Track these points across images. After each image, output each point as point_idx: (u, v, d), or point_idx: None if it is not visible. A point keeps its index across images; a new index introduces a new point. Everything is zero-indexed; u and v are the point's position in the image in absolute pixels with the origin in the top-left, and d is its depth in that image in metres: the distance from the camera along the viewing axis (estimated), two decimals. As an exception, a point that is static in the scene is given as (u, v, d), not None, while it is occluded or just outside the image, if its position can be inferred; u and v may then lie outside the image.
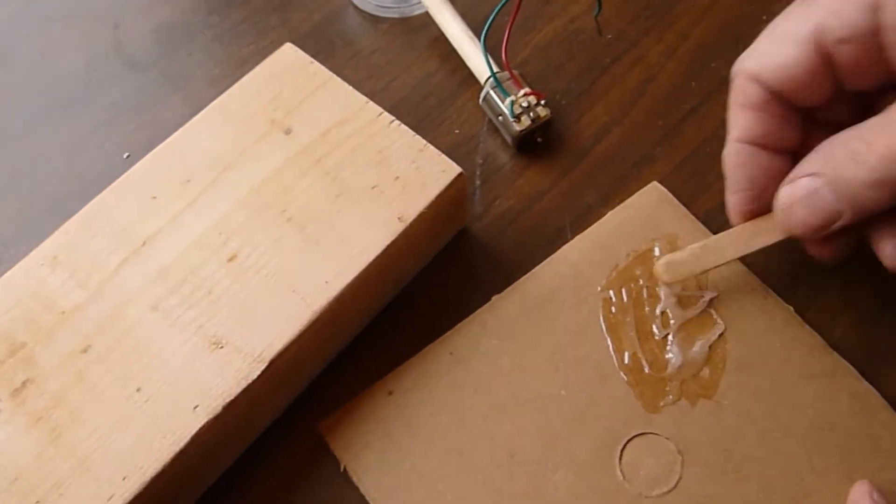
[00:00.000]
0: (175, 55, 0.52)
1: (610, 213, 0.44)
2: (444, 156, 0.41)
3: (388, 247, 0.39)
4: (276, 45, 0.49)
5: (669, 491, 0.37)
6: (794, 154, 0.38)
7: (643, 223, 0.43)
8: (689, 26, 0.52)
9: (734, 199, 0.39)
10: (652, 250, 0.43)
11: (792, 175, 0.35)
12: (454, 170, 0.41)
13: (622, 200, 0.45)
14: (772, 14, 0.38)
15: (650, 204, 0.44)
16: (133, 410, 0.36)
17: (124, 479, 0.35)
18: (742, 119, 0.38)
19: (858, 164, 0.32)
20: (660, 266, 0.41)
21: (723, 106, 0.48)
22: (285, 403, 0.41)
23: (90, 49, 0.52)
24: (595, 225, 0.44)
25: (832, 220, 0.34)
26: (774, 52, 0.36)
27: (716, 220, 0.45)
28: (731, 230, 0.40)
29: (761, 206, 0.38)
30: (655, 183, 0.45)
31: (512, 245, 0.45)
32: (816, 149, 0.35)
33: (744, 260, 0.43)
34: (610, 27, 0.52)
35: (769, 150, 0.38)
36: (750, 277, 0.42)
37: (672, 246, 0.43)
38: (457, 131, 0.49)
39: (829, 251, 0.38)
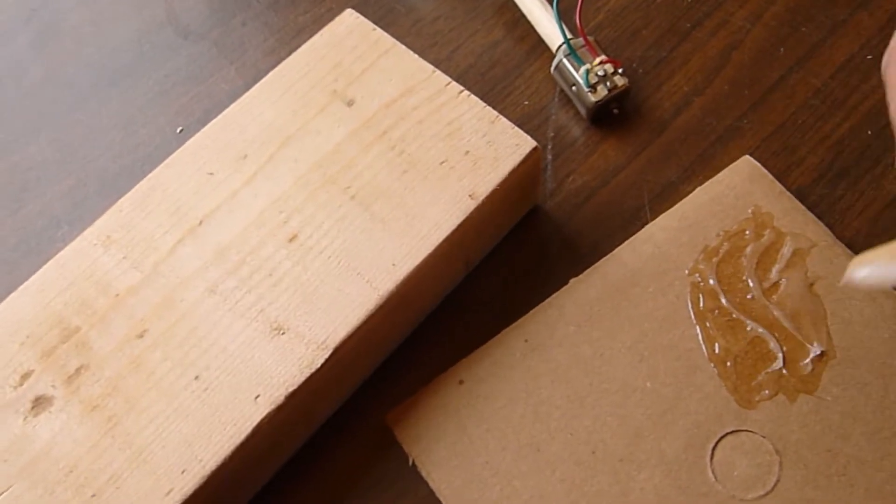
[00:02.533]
0: (229, 24, 0.50)
1: (698, 190, 0.41)
2: (517, 128, 0.38)
3: (459, 226, 0.36)
4: (334, 12, 0.46)
5: (766, 494, 0.34)
6: None
7: (734, 200, 0.40)
8: (778, -13, 0.48)
9: None
10: (744, 231, 0.39)
11: None
12: (529, 143, 0.38)
13: (706, 177, 0.42)
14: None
15: (742, 179, 0.41)
16: (192, 400, 0.34)
17: (183, 472, 0.33)
18: None
19: None
20: (854, 272, 0.29)
21: (815, 74, 0.44)
22: (349, 392, 0.38)
23: (142, 19, 0.50)
24: (681, 202, 0.41)
25: None
26: None
27: (809, 197, 0.41)
28: None
29: None
30: (748, 157, 0.42)
31: (587, 224, 0.42)
32: None
33: (842, 238, 0.40)
34: (690, -11, 0.48)
35: None
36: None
37: (766, 225, 0.39)
38: (526, 103, 0.45)
39: None
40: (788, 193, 0.40)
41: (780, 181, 0.41)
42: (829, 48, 0.45)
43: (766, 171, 0.41)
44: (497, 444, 0.36)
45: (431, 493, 0.36)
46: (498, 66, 0.47)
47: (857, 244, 0.40)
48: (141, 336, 0.35)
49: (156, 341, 0.35)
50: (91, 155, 0.46)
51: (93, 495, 0.32)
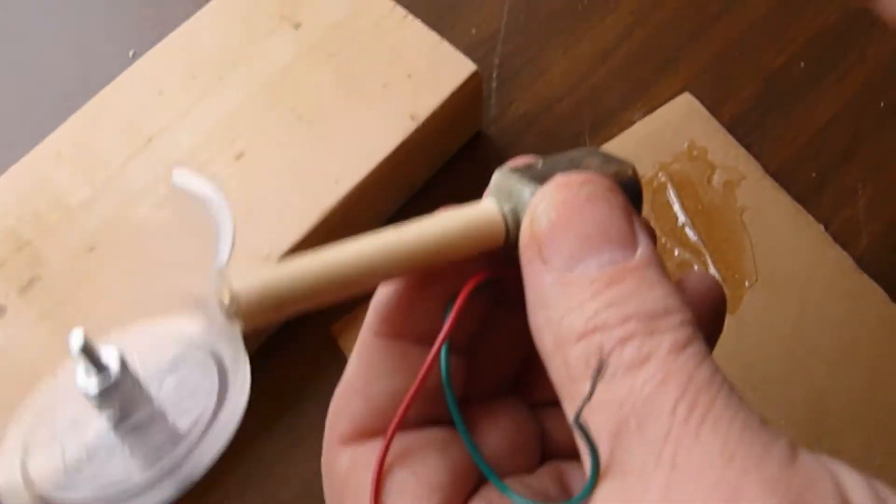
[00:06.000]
0: (181, -51, 0.50)
1: (638, 124, 0.43)
2: (459, 52, 0.39)
3: (400, 146, 0.38)
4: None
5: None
6: None
7: (672, 134, 0.42)
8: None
9: None
10: (678, 163, 0.41)
11: None
12: (469, 67, 0.39)
13: (645, 104, 0.44)
14: None
15: (680, 115, 0.42)
16: (142, 310, 0.35)
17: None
18: None
19: None
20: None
21: (754, 8, 0.45)
22: (295, 306, 0.40)
23: (93, -58, 0.50)
24: (621, 135, 0.42)
25: None
26: None
27: (742, 126, 0.43)
28: None
29: None
30: (687, 94, 0.43)
31: (528, 150, 0.43)
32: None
33: (769, 169, 0.42)
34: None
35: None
36: (780, 193, 0.40)
37: (700, 158, 0.41)
38: (473, 31, 0.47)
39: None
40: (724, 130, 0.42)
41: (715, 110, 0.43)
42: (767, -18, 0.47)
43: (703, 107, 0.43)
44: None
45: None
46: (447, -5, 0.48)
47: (784, 173, 0.42)
48: (92, 249, 0.37)
49: (106, 253, 0.36)
50: (42, 79, 0.46)
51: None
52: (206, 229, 0.24)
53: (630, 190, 0.21)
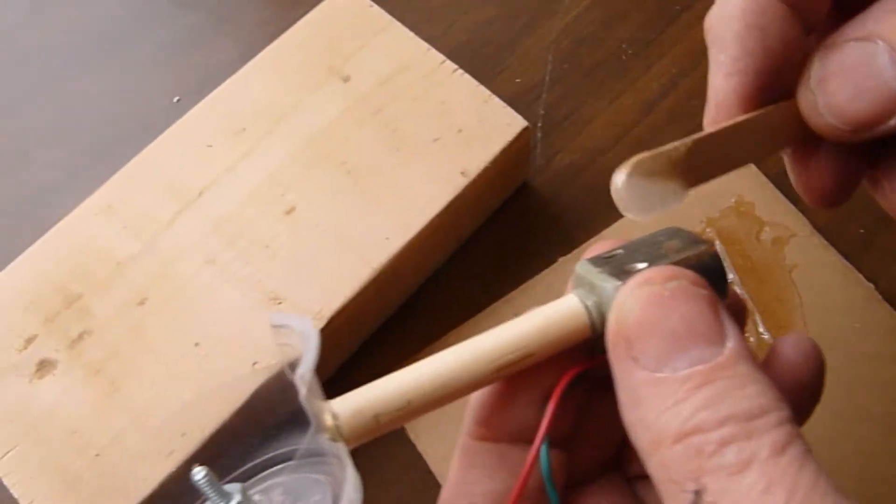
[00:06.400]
0: (224, -6, 0.50)
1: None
2: (509, 108, 0.39)
3: (451, 203, 0.38)
4: (331, -15, 0.47)
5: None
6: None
7: (718, 189, 0.41)
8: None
9: (732, 82, 0.24)
10: (726, 219, 0.41)
11: (830, 41, 0.23)
12: (520, 123, 0.39)
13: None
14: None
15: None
16: (191, 366, 0.35)
17: (183, 435, 0.34)
18: None
19: None
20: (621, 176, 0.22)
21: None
22: (341, 361, 0.40)
23: (137, -13, 0.51)
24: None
25: (891, 107, 0.22)
26: None
27: (788, 180, 0.43)
28: (722, 125, 0.24)
29: (766, 94, 0.24)
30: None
31: (574, 201, 0.44)
32: (869, 9, 0.23)
33: (816, 225, 0.41)
34: (680, -29, 0.49)
35: (797, 8, 0.24)
36: (829, 251, 0.40)
37: (748, 213, 0.41)
38: (518, 80, 0.46)
39: (831, 184, 0.26)
40: (771, 184, 0.42)
41: (762, 163, 0.43)
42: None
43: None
44: (483, 413, 0.38)
45: (419, 456, 0.38)
46: (491, 44, 0.48)
47: (831, 230, 0.42)
48: (141, 304, 0.36)
49: (156, 309, 0.36)
50: (87, 123, 0.47)
51: (96, 455, 0.34)
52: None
53: (712, 271, 0.21)
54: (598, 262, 0.22)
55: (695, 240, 0.22)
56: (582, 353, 0.22)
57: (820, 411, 0.37)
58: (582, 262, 0.22)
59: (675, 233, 0.23)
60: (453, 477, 0.23)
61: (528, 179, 0.44)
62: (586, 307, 0.21)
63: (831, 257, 0.40)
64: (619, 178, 0.22)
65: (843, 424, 0.37)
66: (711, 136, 0.23)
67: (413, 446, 0.38)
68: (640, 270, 0.21)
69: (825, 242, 0.41)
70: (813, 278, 0.40)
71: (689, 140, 0.23)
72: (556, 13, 0.48)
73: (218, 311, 0.36)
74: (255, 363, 0.35)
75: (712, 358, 0.19)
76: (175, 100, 0.47)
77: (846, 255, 0.41)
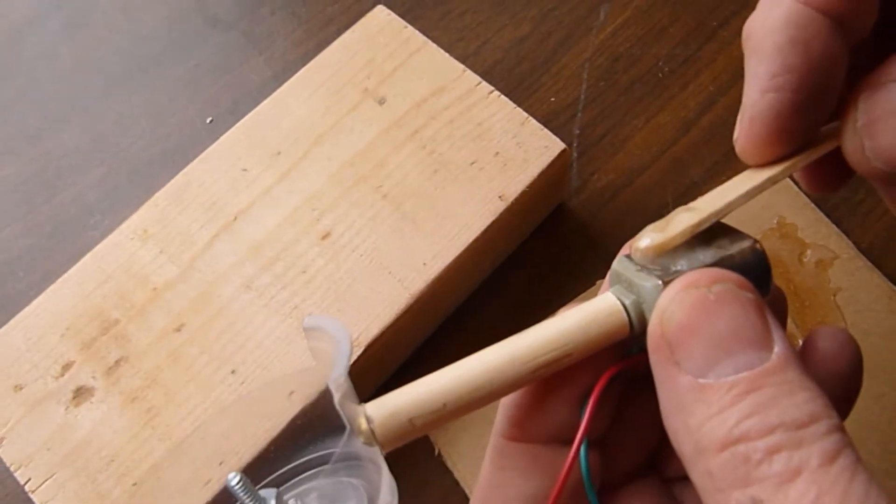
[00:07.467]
0: (257, 14, 0.50)
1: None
2: (546, 130, 0.39)
3: (489, 227, 0.37)
4: (362, 3, 0.46)
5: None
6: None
7: (760, 210, 0.41)
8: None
9: (769, 99, 0.23)
10: (768, 241, 0.40)
11: (874, 79, 0.22)
12: (558, 146, 0.38)
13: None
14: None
15: (768, 190, 0.41)
16: (228, 393, 0.35)
17: (221, 464, 0.34)
18: None
19: None
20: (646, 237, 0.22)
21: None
22: (376, 386, 0.40)
23: (171, 7, 0.51)
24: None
25: None
26: None
27: (830, 200, 0.42)
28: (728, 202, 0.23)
29: (803, 112, 0.23)
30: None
31: (611, 222, 0.43)
32: None
33: (859, 246, 0.40)
34: (717, -13, 0.49)
35: (843, 23, 0.22)
36: (874, 273, 0.39)
37: (790, 235, 0.40)
38: (552, 99, 0.46)
39: (833, 171, 0.26)
40: (812, 205, 0.41)
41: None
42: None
43: (790, 181, 0.41)
44: (522, 440, 0.37)
45: (456, 483, 0.37)
46: (525, 62, 0.47)
47: (875, 250, 0.41)
48: (178, 330, 0.36)
49: (193, 335, 0.36)
50: (122, 143, 0.47)
51: (134, 484, 0.34)
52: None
53: (756, 269, 0.21)
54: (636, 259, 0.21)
55: (737, 234, 0.21)
56: (615, 351, 0.21)
57: (867, 439, 0.36)
58: (619, 259, 0.22)
59: (716, 227, 0.22)
60: (486, 478, 0.23)
61: (565, 200, 0.43)
62: (624, 306, 0.20)
63: (876, 280, 0.40)
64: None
65: (891, 454, 0.36)
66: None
67: (451, 473, 0.37)
68: (679, 269, 0.20)
69: (870, 265, 0.40)
70: (858, 302, 0.39)
71: (694, 223, 0.22)
72: (590, 30, 0.47)
73: (254, 338, 0.36)
74: (291, 392, 0.35)
75: (760, 363, 0.18)
76: (208, 120, 0.47)
77: (891, 278, 0.40)
